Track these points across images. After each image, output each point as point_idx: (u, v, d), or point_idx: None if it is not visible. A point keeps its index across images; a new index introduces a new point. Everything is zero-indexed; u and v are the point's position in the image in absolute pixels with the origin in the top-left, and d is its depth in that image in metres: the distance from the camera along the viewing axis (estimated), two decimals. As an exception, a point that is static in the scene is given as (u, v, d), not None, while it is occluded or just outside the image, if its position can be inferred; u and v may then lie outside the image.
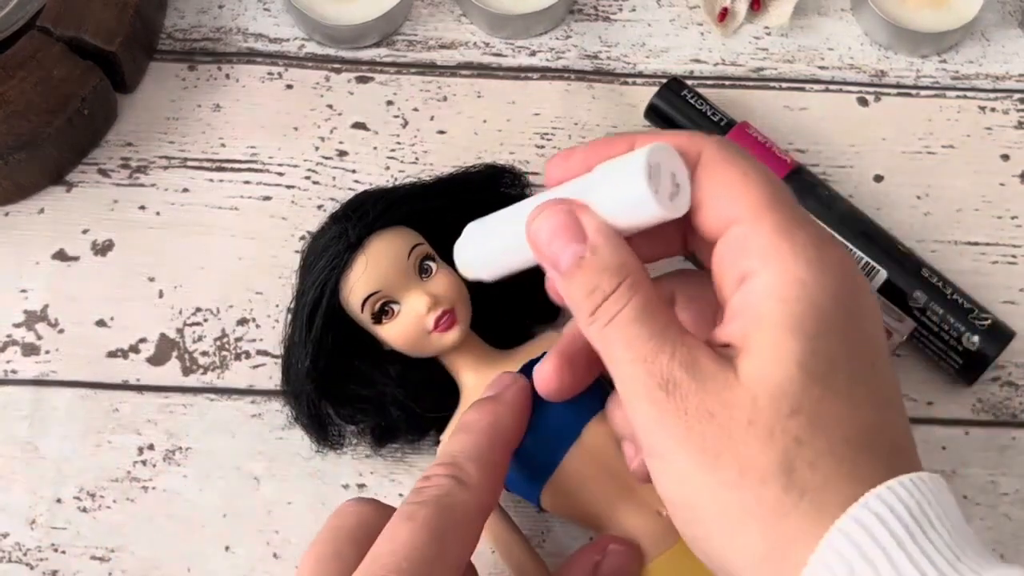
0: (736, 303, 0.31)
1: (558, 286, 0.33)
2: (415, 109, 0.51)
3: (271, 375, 0.46)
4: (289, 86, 0.52)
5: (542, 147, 0.51)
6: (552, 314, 0.45)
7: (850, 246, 0.46)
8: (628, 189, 0.31)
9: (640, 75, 0.52)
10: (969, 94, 0.52)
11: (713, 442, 0.29)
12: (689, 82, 0.51)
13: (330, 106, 0.51)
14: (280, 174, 0.50)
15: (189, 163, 0.50)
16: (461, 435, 0.37)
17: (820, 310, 0.29)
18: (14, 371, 0.46)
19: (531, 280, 0.37)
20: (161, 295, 0.48)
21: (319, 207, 0.49)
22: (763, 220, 0.30)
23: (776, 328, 0.29)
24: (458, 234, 0.39)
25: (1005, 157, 0.51)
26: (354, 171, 0.50)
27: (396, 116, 0.51)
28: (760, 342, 0.29)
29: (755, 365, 0.29)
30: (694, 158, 0.32)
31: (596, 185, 0.32)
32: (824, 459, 0.28)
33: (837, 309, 0.29)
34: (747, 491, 0.29)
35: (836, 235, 0.34)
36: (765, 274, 0.30)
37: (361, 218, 0.42)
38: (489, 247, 0.37)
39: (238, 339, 0.47)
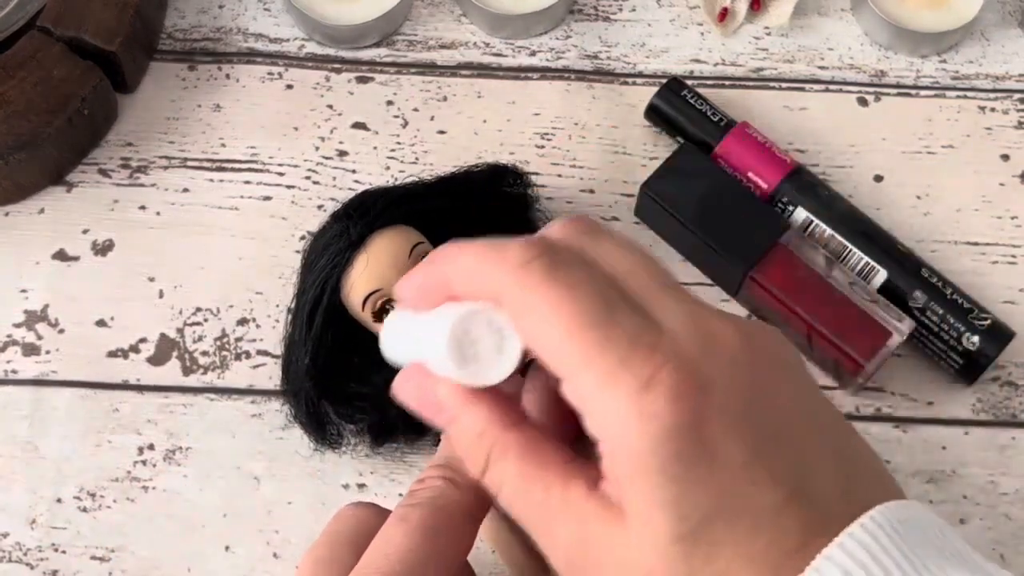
0: (603, 458, 0.29)
1: None
2: (415, 109, 0.51)
3: (271, 375, 0.46)
4: (289, 86, 0.52)
5: (542, 147, 0.51)
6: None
7: (850, 246, 0.47)
8: (444, 368, 0.30)
9: (640, 75, 0.52)
10: (969, 94, 0.52)
11: None
12: (689, 82, 0.51)
13: (330, 106, 0.51)
14: (280, 174, 0.50)
15: (189, 163, 0.50)
16: None
17: (668, 474, 0.27)
18: (14, 371, 0.46)
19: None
20: (161, 295, 0.48)
21: (319, 207, 0.49)
22: (580, 379, 0.28)
23: (641, 505, 0.28)
24: (459, 234, 0.38)
25: (1005, 157, 0.51)
26: (354, 171, 0.50)
27: (396, 116, 0.51)
28: (635, 514, 0.28)
29: (638, 539, 0.28)
30: (498, 298, 0.30)
31: (427, 349, 0.31)
32: None
33: (684, 462, 0.27)
34: None
35: (678, 292, 0.30)
36: (606, 447, 0.29)
37: (362, 217, 0.42)
38: (394, 352, 0.36)
39: (238, 339, 0.47)
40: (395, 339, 0.35)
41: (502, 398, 0.32)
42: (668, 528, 0.28)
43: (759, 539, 0.28)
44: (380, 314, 0.42)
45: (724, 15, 0.53)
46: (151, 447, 0.45)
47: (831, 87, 0.52)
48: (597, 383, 0.28)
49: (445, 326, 0.30)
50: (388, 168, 0.50)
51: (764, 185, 0.48)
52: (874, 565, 0.27)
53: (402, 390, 0.33)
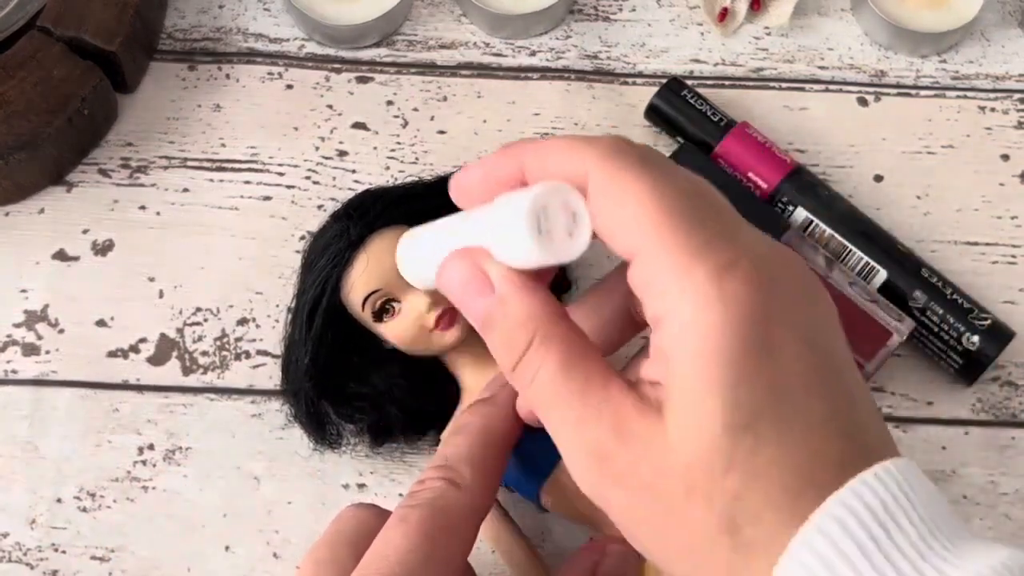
0: (655, 346, 0.29)
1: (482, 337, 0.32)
2: (415, 109, 0.51)
3: (271, 375, 0.46)
4: (289, 86, 0.52)
5: (542, 147, 0.51)
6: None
7: (850, 246, 0.47)
8: (517, 241, 0.30)
9: (640, 75, 0.52)
10: (969, 94, 0.52)
11: (656, 512, 0.29)
12: (689, 82, 0.51)
13: (330, 106, 0.51)
14: (280, 174, 0.50)
15: (189, 163, 0.50)
16: (455, 437, 0.37)
17: (733, 359, 0.28)
18: (14, 371, 0.46)
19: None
20: (161, 295, 0.48)
21: (319, 207, 0.49)
22: (661, 256, 0.28)
23: (694, 386, 0.28)
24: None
25: (1005, 157, 0.51)
26: (354, 171, 0.50)
27: (396, 116, 0.51)
28: (682, 401, 0.28)
29: (681, 427, 0.28)
30: (584, 177, 0.30)
31: (492, 230, 0.31)
32: (766, 512, 0.27)
33: (750, 349, 0.28)
34: (698, 557, 0.28)
35: (747, 225, 0.31)
36: (673, 324, 0.28)
37: (362, 217, 0.42)
38: (419, 264, 0.36)
39: (238, 339, 0.47)
40: (424, 248, 0.35)
41: (550, 293, 0.31)
42: (721, 414, 0.27)
43: (802, 447, 0.28)
44: (380, 314, 0.42)
45: (724, 15, 0.53)
46: (151, 447, 0.45)
47: (831, 87, 0.52)
48: (675, 262, 0.28)
49: (523, 200, 0.29)
50: (388, 168, 0.50)
51: (764, 185, 0.48)
52: (905, 500, 0.27)
53: (449, 272, 0.32)
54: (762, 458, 0.28)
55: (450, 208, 0.44)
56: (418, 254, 0.35)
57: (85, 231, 0.49)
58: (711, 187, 0.31)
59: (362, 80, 0.52)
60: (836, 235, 0.47)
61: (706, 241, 0.28)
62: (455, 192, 0.33)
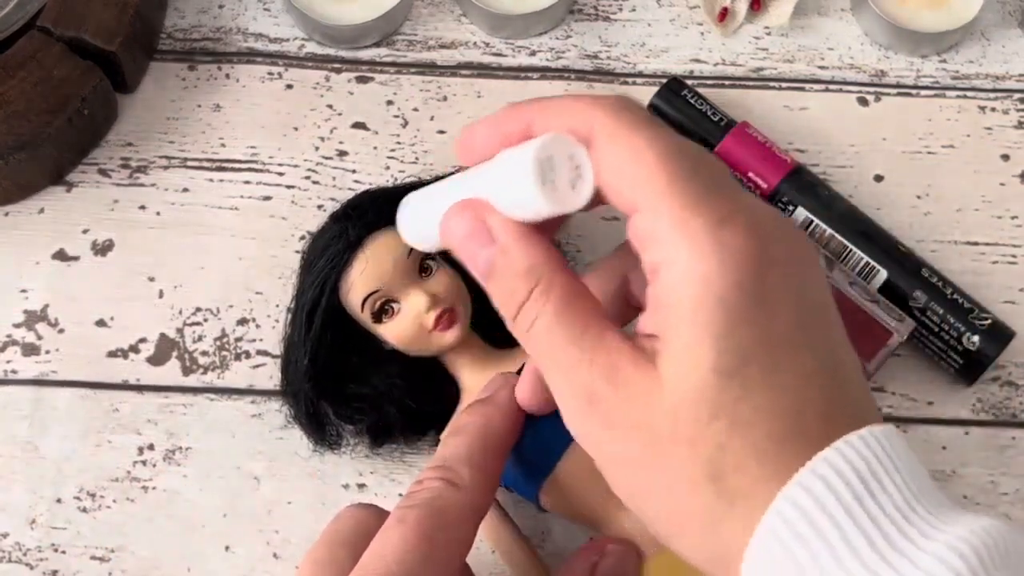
0: (651, 297, 0.30)
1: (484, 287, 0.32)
2: (415, 109, 0.51)
3: (271, 375, 0.46)
4: (289, 86, 0.52)
5: (542, 147, 0.51)
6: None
7: (850, 246, 0.47)
8: (521, 190, 0.30)
9: (640, 75, 0.52)
10: (969, 94, 0.52)
11: (641, 454, 0.29)
12: (689, 82, 0.51)
13: (330, 106, 0.51)
14: (280, 174, 0.50)
15: (189, 163, 0.50)
16: (454, 438, 0.37)
17: (726, 304, 0.28)
18: (14, 371, 0.46)
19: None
20: (161, 295, 0.48)
21: (319, 207, 0.49)
22: (661, 207, 0.29)
23: (686, 332, 0.28)
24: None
25: (1005, 157, 0.51)
26: (354, 171, 0.50)
27: (396, 116, 0.51)
28: (674, 346, 0.29)
29: (672, 371, 0.29)
30: (589, 132, 0.30)
31: (496, 181, 0.32)
32: (749, 461, 0.28)
33: (743, 296, 0.28)
34: (681, 500, 0.29)
35: (744, 189, 0.32)
36: (669, 271, 0.29)
37: (361, 217, 0.42)
38: (420, 224, 0.36)
39: (238, 339, 0.47)
40: (425, 208, 0.35)
41: (551, 243, 0.32)
42: (712, 357, 0.28)
43: (789, 398, 0.28)
44: (379, 315, 0.42)
45: (724, 15, 0.53)
46: (151, 447, 0.45)
47: (831, 87, 0.52)
48: (675, 213, 0.29)
49: (528, 150, 0.30)
50: (388, 168, 0.50)
51: (764, 185, 0.48)
52: (890, 464, 0.28)
53: (451, 224, 0.32)
54: (748, 406, 0.28)
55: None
56: (419, 214, 0.36)
57: (85, 231, 0.49)
58: (711, 154, 0.31)
59: (362, 80, 0.52)
60: (836, 235, 0.47)
61: (705, 194, 0.29)
62: (460, 150, 0.34)
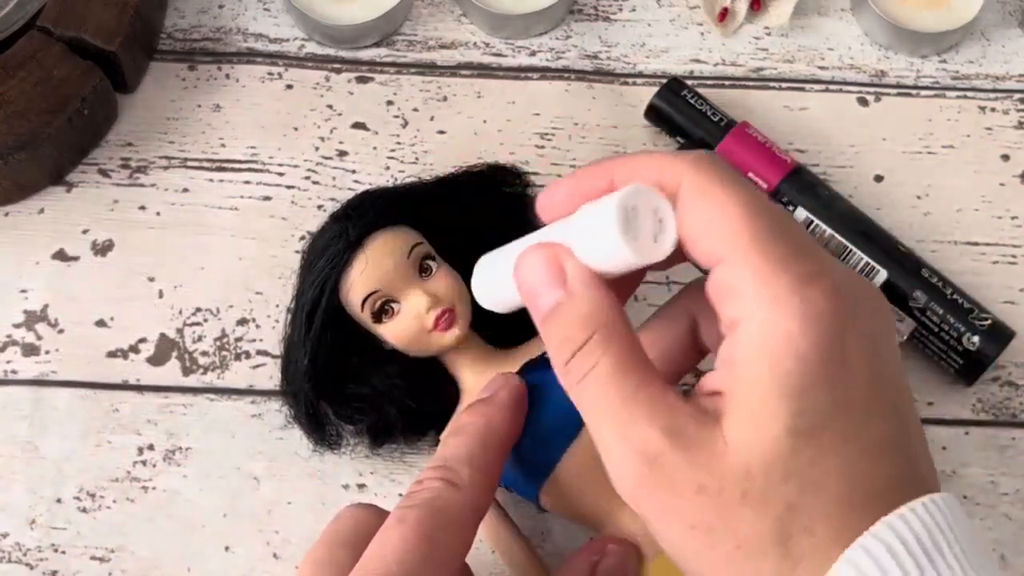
0: (724, 353, 0.30)
1: (540, 332, 0.32)
2: (415, 109, 0.51)
3: (271, 375, 0.46)
4: (289, 86, 0.52)
5: (542, 147, 0.51)
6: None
7: (850, 246, 0.47)
8: (603, 238, 0.30)
9: (640, 75, 0.52)
10: (969, 94, 0.52)
11: (705, 516, 0.28)
12: (689, 82, 0.51)
13: (330, 106, 0.51)
14: (280, 174, 0.50)
15: (189, 163, 0.50)
16: (453, 438, 0.37)
17: (806, 364, 0.28)
18: (14, 371, 0.46)
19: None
20: (161, 295, 0.48)
21: (319, 207, 0.49)
22: (745, 262, 0.29)
23: (763, 389, 0.28)
24: (458, 233, 0.38)
25: (1005, 157, 0.51)
26: (354, 171, 0.50)
27: (396, 116, 0.51)
28: (747, 404, 0.28)
29: (743, 429, 0.28)
30: (674, 187, 0.30)
31: (577, 230, 0.31)
32: (819, 523, 0.28)
33: (823, 358, 0.28)
34: (744, 564, 0.28)
35: (828, 250, 0.31)
36: (749, 326, 0.29)
37: (361, 217, 0.42)
38: (492, 282, 0.36)
39: (238, 339, 0.47)
40: (503, 266, 0.34)
41: (618, 299, 0.31)
42: (788, 416, 0.28)
43: (860, 464, 0.28)
44: (379, 315, 0.42)
45: (724, 15, 0.53)
46: (151, 447, 0.45)
47: (831, 87, 0.52)
48: (759, 269, 0.29)
49: (612, 199, 0.30)
50: (388, 168, 0.50)
51: (764, 185, 0.48)
52: (950, 533, 0.28)
53: (527, 258, 0.32)
54: (821, 469, 0.28)
55: (451, 208, 0.44)
56: (494, 273, 0.35)
57: (85, 231, 0.49)
58: (790, 213, 0.31)
59: (362, 80, 0.52)
60: (836, 235, 0.47)
61: (790, 252, 0.29)
62: (541, 207, 0.33)
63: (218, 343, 0.47)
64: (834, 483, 0.28)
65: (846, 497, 0.28)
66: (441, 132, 0.51)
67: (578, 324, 0.30)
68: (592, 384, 0.30)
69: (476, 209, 0.45)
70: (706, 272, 0.31)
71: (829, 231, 0.47)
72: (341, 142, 0.51)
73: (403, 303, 0.42)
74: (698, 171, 0.30)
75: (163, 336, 0.47)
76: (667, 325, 0.35)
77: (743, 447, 0.28)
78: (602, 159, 0.32)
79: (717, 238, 0.30)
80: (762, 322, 0.28)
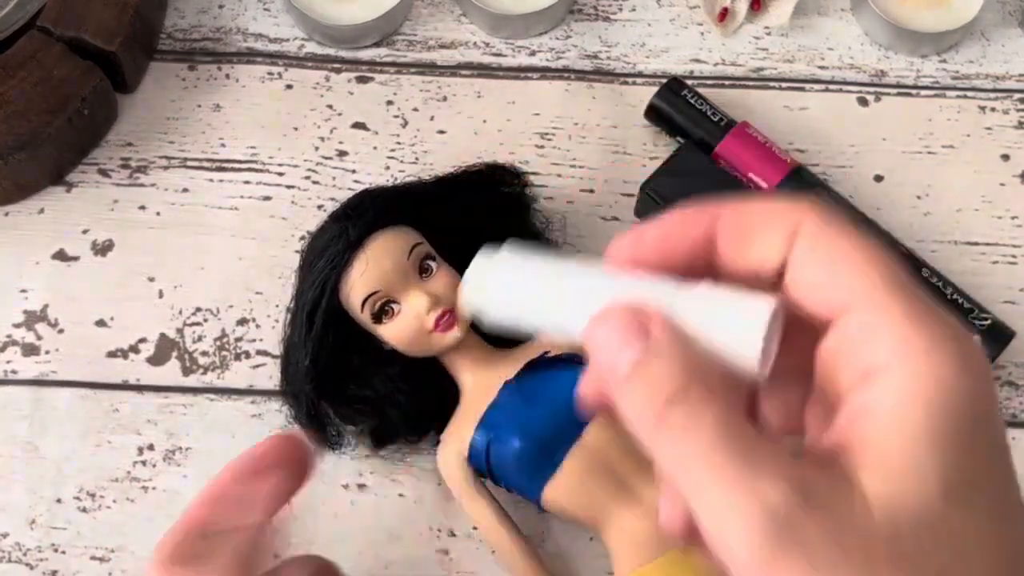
0: (858, 403, 0.27)
1: (616, 400, 0.28)
2: (415, 109, 0.51)
3: (271, 375, 0.46)
4: (289, 86, 0.52)
5: (542, 147, 0.51)
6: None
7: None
8: (743, 343, 0.27)
9: (640, 75, 0.52)
10: (969, 94, 0.52)
11: None
12: (689, 82, 0.51)
13: (330, 106, 0.51)
14: (280, 174, 0.50)
15: (189, 163, 0.50)
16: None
17: (961, 418, 0.26)
18: (14, 371, 0.46)
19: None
20: (161, 295, 0.48)
21: (319, 207, 0.49)
22: (891, 307, 0.27)
23: (914, 440, 0.26)
24: (458, 233, 0.38)
25: (1005, 157, 0.51)
26: (354, 171, 0.50)
27: (396, 116, 0.51)
28: (894, 457, 0.26)
29: (889, 484, 0.26)
30: (791, 232, 0.28)
31: (699, 313, 0.28)
32: None
33: (975, 416, 0.26)
34: None
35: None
36: (899, 373, 0.26)
37: (361, 217, 0.42)
38: (513, 296, 0.30)
39: (238, 339, 0.47)
40: (509, 282, 0.29)
41: None
42: (939, 475, 0.25)
43: (1006, 529, 0.26)
44: (379, 315, 0.42)
45: (724, 15, 0.53)
46: (151, 447, 0.45)
47: (831, 87, 0.52)
48: (902, 318, 0.27)
49: (764, 306, 0.27)
50: (388, 168, 0.50)
51: (764, 185, 0.48)
52: None
53: (607, 320, 0.28)
54: (971, 535, 0.26)
55: (451, 208, 0.44)
56: (514, 287, 0.30)
57: (85, 231, 0.49)
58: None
59: (362, 80, 0.52)
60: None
61: (925, 305, 0.27)
62: (618, 249, 0.30)
63: (218, 343, 0.47)
64: (986, 551, 0.26)
65: (992, 565, 0.26)
66: (441, 132, 0.51)
67: (670, 377, 0.27)
68: (696, 441, 0.27)
69: (476, 209, 0.45)
70: (813, 323, 0.28)
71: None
72: (341, 142, 0.51)
73: (403, 304, 0.42)
74: (819, 219, 0.28)
75: (163, 336, 0.47)
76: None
77: (890, 504, 0.26)
78: (700, 206, 0.29)
79: (844, 287, 0.28)
80: (915, 369, 0.26)
